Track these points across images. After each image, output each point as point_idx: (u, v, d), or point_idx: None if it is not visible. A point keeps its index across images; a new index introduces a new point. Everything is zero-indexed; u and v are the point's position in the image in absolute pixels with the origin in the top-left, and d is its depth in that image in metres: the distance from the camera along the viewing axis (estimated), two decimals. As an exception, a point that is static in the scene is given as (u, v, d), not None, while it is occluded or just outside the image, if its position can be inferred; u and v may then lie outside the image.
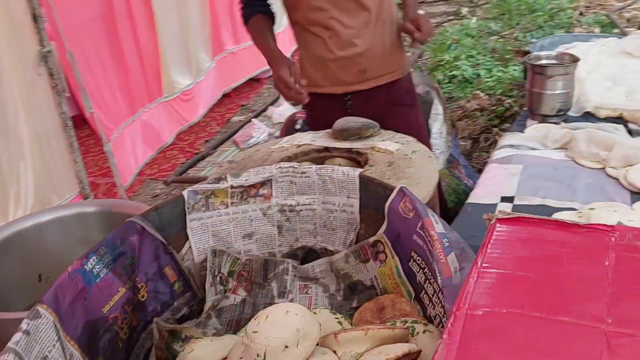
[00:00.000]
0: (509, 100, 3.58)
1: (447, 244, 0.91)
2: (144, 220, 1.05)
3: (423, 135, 2.05)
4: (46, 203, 2.90)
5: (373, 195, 1.13)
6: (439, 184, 2.23)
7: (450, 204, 2.55)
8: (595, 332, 0.43)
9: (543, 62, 1.83)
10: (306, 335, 0.81)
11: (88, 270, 0.94)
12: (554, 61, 1.84)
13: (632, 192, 1.40)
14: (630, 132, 1.72)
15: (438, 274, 0.88)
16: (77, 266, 0.93)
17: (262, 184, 1.19)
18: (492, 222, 0.55)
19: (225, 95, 5.67)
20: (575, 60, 1.79)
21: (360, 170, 1.17)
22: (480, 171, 3.34)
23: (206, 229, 1.14)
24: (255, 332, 0.81)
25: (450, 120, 3.68)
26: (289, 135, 2.13)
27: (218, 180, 1.15)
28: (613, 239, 0.50)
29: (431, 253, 0.96)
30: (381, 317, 1.04)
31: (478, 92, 3.81)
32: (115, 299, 0.98)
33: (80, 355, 0.88)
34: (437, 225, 0.95)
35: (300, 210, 1.20)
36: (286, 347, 0.79)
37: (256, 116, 4.06)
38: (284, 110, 3.78)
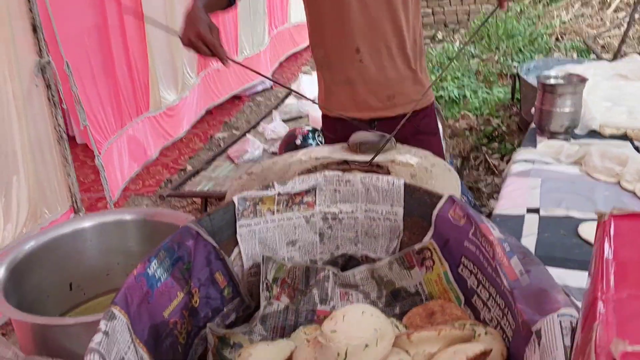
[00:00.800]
0: (497, 121, 3.69)
1: (508, 248, 0.94)
2: (198, 225, 1.05)
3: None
4: (38, 217, 2.84)
5: (419, 203, 1.15)
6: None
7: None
8: None
9: (552, 81, 1.90)
10: (383, 335, 0.83)
11: (151, 274, 0.94)
12: (562, 81, 1.92)
13: (649, 204, 1.47)
14: (637, 149, 1.79)
15: (503, 277, 0.91)
16: (141, 270, 0.92)
17: (307, 191, 1.20)
18: (605, 219, 0.58)
19: (208, 113, 5.67)
20: (583, 80, 1.87)
21: (404, 179, 1.19)
22: (470, 188, 3.42)
23: (253, 235, 1.15)
24: (334, 331, 0.82)
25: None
26: (289, 150, 2.14)
27: (266, 187, 1.16)
28: None
29: (487, 258, 0.99)
30: (432, 322, 1.05)
31: (466, 112, 3.91)
32: (174, 304, 0.97)
33: (149, 358, 0.87)
34: (494, 230, 0.98)
35: (343, 218, 1.22)
36: (366, 346, 0.80)
37: (248, 132, 4.07)
38: (276, 126, 3.80)
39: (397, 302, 1.19)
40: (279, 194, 1.17)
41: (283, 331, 1.14)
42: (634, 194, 1.51)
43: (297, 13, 7.61)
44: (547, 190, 1.53)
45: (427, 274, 1.13)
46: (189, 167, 4.49)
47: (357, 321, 0.83)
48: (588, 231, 1.30)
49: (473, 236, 1.03)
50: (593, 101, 2.13)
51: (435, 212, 1.11)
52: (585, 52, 4.89)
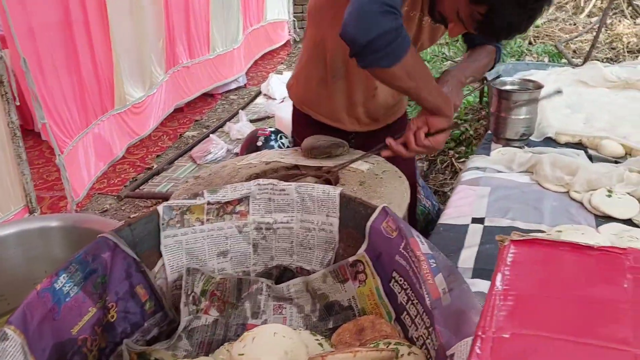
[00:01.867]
0: (465, 124, 3.67)
1: (434, 264, 0.91)
2: (116, 236, 1.00)
3: (412, 166, 2.06)
4: (-12, 216, 2.76)
5: (354, 214, 1.12)
6: (414, 204, 2.25)
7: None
8: (624, 355, 0.43)
9: (508, 87, 1.88)
10: (294, 358, 0.79)
11: (58, 288, 0.88)
12: (517, 87, 1.90)
13: (596, 216, 1.45)
14: (590, 158, 1.78)
15: (426, 295, 0.87)
16: (47, 284, 0.87)
17: (240, 200, 1.15)
18: (505, 244, 0.54)
19: (178, 110, 5.59)
20: (539, 86, 1.85)
21: (341, 188, 1.16)
22: (436, 192, 3.41)
23: (180, 246, 1.10)
24: (242, 354, 0.78)
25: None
26: (250, 152, 2.09)
27: (195, 196, 1.12)
28: (628, 262, 0.51)
29: (415, 274, 0.95)
30: (361, 339, 1.02)
31: (434, 115, 3.89)
32: (85, 320, 0.92)
33: (48, 379, 0.82)
34: (422, 245, 0.95)
35: (277, 228, 1.18)
36: None
37: (213, 132, 3.99)
38: (242, 126, 3.74)
39: (330, 316, 1.15)
40: (208, 203, 1.12)
41: (210, 347, 1.10)
42: (582, 204, 1.49)
43: (274, 11, 7.54)
44: (495, 200, 1.51)
45: (360, 288, 1.10)
46: (156, 166, 4.41)
47: (267, 343, 0.79)
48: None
49: (404, 250, 0.99)
50: (552, 108, 2.12)
51: (368, 223, 1.07)
52: (557, 56, 4.91)
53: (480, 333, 0.45)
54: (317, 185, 1.16)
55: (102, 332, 0.96)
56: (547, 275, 0.51)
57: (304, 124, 1.93)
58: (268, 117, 4.13)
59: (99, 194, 4.14)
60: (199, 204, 1.11)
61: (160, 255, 1.08)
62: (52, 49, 3.36)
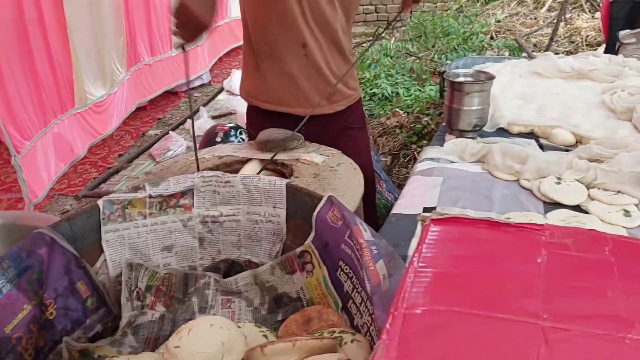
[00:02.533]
0: (427, 118, 3.70)
1: (376, 251, 0.90)
2: (53, 231, 0.97)
3: (369, 158, 2.04)
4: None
5: (300, 204, 1.11)
6: (373, 195, 2.24)
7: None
8: (532, 328, 0.43)
9: (461, 79, 1.90)
10: (231, 348, 0.77)
11: (-12, 286, 0.86)
12: (470, 79, 1.91)
13: (544, 203, 1.47)
14: (542, 147, 1.81)
15: (367, 281, 0.87)
16: (-24, 282, 0.84)
17: (183, 193, 1.14)
18: (426, 223, 0.54)
19: (141, 108, 5.50)
20: (490, 77, 1.87)
21: (287, 179, 1.15)
22: (400, 186, 3.42)
23: (122, 240, 1.08)
24: (177, 347, 0.76)
25: (372, 136, 3.75)
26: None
27: (136, 189, 1.09)
28: (544, 238, 0.51)
29: (359, 261, 0.95)
30: (308, 329, 1.01)
31: (397, 109, 3.91)
32: (19, 318, 0.89)
33: (-22, 380, 0.79)
34: (365, 232, 0.94)
35: (224, 221, 1.16)
36: None
37: (174, 129, 3.93)
38: (203, 122, 3.69)
39: (279, 308, 1.14)
40: (150, 197, 1.10)
41: (156, 342, 1.08)
42: (531, 192, 1.51)
43: (237, 8, 7.49)
44: (447, 189, 1.51)
45: (308, 279, 1.09)
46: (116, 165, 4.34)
47: (203, 335, 0.77)
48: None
49: (349, 238, 0.99)
50: (505, 99, 2.14)
51: (315, 213, 1.07)
52: (517, 50, 4.98)
53: (392, 310, 0.44)
54: (262, 177, 1.15)
55: (39, 330, 0.94)
56: (464, 252, 0.51)
57: (255, 116, 1.91)
58: (230, 114, 4.09)
59: (59, 194, 4.05)
60: (140, 198, 1.09)
61: (102, 251, 1.06)
62: (6, 48, 3.27)
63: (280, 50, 1.75)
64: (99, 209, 1.05)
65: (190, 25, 1.36)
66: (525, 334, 0.42)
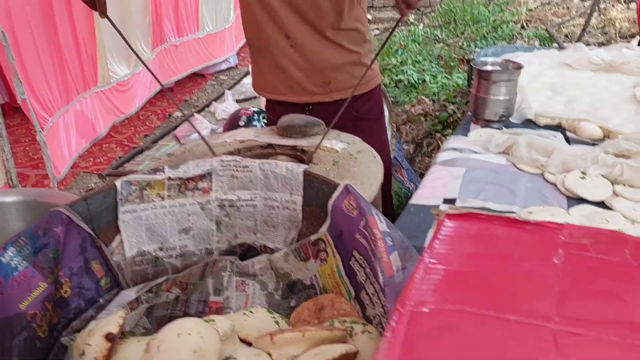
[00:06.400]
0: (453, 107, 3.64)
1: (391, 242, 0.89)
2: (70, 210, 0.98)
3: (386, 151, 1.99)
4: (-32, 193, 2.73)
5: (317, 192, 1.10)
6: (389, 186, 2.20)
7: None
8: (543, 332, 0.41)
9: (489, 67, 1.86)
10: (205, 352, 0.75)
11: (5, 263, 0.86)
12: (498, 68, 1.87)
13: (568, 198, 1.43)
14: (568, 140, 1.76)
15: (380, 273, 0.86)
16: (-7, 258, 0.85)
17: (202, 177, 1.13)
18: (440, 218, 0.53)
19: (168, 90, 5.53)
20: (519, 67, 1.83)
21: (304, 166, 1.14)
22: (422, 175, 3.39)
23: (139, 221, 1.08)
24: None
25: (395, 124, 3.71)
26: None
27: (154, 171, 1.09)
28: (562, 237, 0.49)
29: (373, 252, 0.94)
30: (320, 317, 1.01)
31: (423, 97, 3.86)
32: (35, 295, 0.90)
33: (-9, 354, 0.80)
34: (381, 224, 0.93)
35: (241, 205, 1.16)
36: None
37: (199, 111, 3.95)
38: (228, 106, 3.69)
39: (293, 294, 1.14)
40: (169, 179, 1.10)
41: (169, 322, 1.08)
42: (556, 186, 1.48)
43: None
44: (469, 181, 1.49)
45: (322, 267, 1.09)
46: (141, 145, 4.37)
47: (173, 348, 0.75)
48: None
49: (363, 228, 0.97)
50: (534, 89, 2.09)
51: (331, 202, 1.06)
52: (548, 40, 4.87)
53: (399, 307, 0.43)
54: (280, 163, 1.14)
55: (54, 307, 0.95)
56: (479, 249, 0.49)
57: (268, 102, 1.93)
58: (255, 98, 4.08)
59: (84, 172, 4.11)
60: (159, 180, 1.09)
61: (118, 231, 1.06)
62: (31, 24, 3.30)
63: (266, 42, 1.76)
64: (117, 189, 1.05)
65: None
66: (536, 337, 0.41)
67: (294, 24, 1.71)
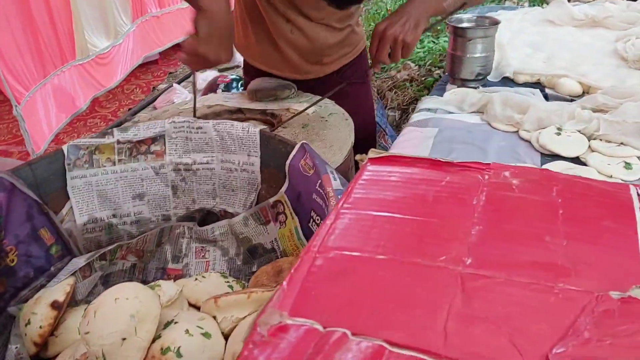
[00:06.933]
0: (439, 71, 3.57)
1: (343, 200, 0.86)
2: (13, 176, 0.94)
3: (371, 114, 1.95)
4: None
5: (274, 152, 1.06)
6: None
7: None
8: (450, 274, 0.38)
9: (464, 24, 1.79)
10: (144, 317, 0.72)
11: (-60, 231, 0.83)
12: (474, 24, 1.81)
13: (542, 155, 1.39)
14: (547, 97, 1.71)
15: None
16: None
17: (154, 139, 1.09)
18: (364, 163, 0.49)
19: (152, 62, 5.44)
20: (495, 23, 1.76)
21: (261, 125, 1.09)
22: (407, 141, 3.34)
23: (90, 187, 1.04)
24: (87, 332, 0.71)
25: (380, 90, 3.64)
26: (209, 99, 2.01)
27: (103, 134, 1.05)
28: (486, 177, 0.45)
29: (328, 211, 0.90)
30: (278, 281, 0.98)
31: (409, 62, 3.78)
32: (-25, 264, 0.87)
33: None
34: (334, 182, 0.89)
35: (197, 169, 1.12)
36: (124, 339, 0.70)
37: (180, 82, 3.87)
38: (208, 74, 3.62)
39: (254, 259, 1.11)
40: (118, 142, 1.06)
41: (127, 291, 1.05)
42: (530, 143, 1.44)
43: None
44: (441, 140, 1.45)
45: (281, 229, 1.05)
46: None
47: (110, 313, 0.72)
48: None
49: (319, 188, 0.94)
50: (513, 47, 2.04)
51: (288, 162, 1.02)
52: (539, 1, 4.76)
53: (302, 254, 0.40)
54: (236, 123, 1.09)
55: (0, 276, 0.91)
56: (397, 193, 0.46)
57: (248, 66, 1.85)
58: (237, 67, 4.01)
59: (67, 147, 4.05)
60: (108, 143, 1.05)
61: (68, 198, 1.02)
62: (1, -1, 3.20)
63: (268, 20, 1.67)
64: (64, 154, 1.01)
65: (200, 61, 1.17)
66: (442, 281, 0.37)
67: (293, 13, 1.64)
